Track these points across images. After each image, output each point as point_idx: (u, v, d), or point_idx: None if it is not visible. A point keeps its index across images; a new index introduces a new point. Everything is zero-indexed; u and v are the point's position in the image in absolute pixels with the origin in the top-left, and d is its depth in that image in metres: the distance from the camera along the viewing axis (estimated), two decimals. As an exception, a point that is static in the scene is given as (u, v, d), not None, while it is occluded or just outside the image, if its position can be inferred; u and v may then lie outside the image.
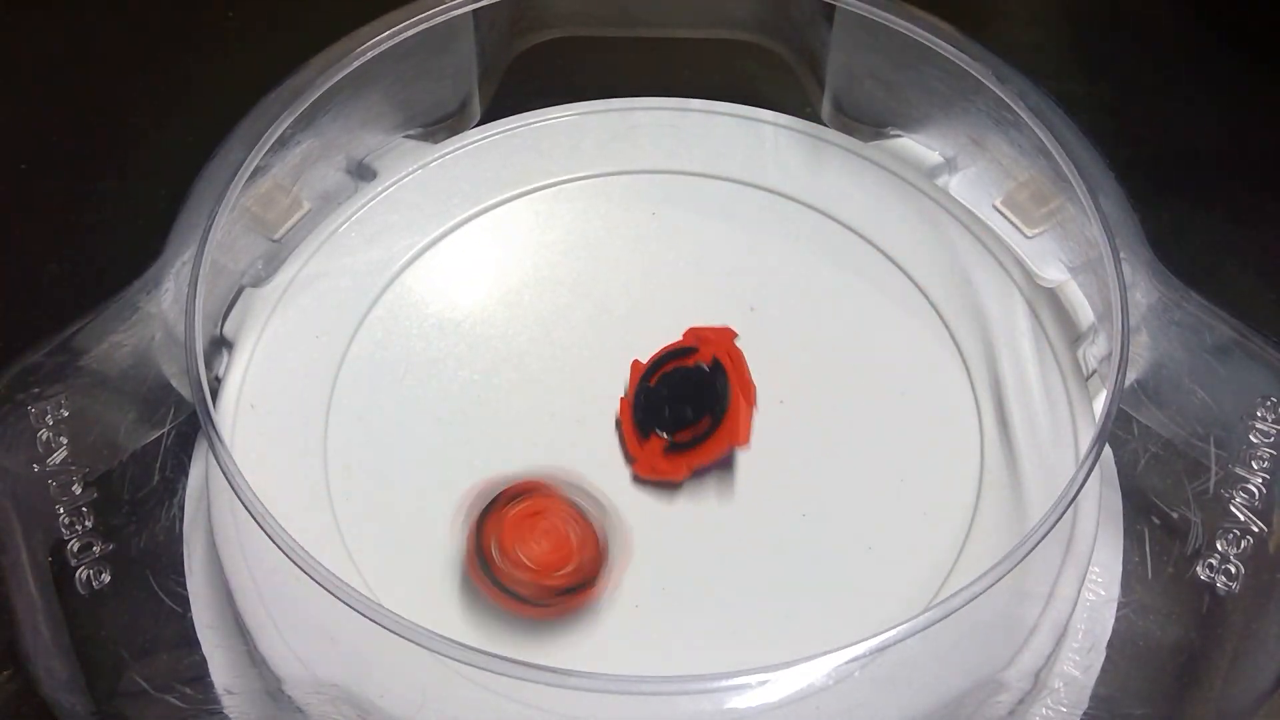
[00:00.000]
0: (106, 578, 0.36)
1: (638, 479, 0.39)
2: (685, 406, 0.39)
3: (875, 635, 0.31)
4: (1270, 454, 0.37)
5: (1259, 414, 0.37)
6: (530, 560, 0.36)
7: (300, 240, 0.44)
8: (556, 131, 0.47)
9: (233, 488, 0.34)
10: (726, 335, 0.40)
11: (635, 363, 0.41)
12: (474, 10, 0.45)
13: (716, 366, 0.39)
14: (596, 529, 0.37)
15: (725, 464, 0.39)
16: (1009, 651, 0.35)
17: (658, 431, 0.39)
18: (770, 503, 0.39)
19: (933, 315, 0.42)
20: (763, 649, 0.32)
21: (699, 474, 0.39)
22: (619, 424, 0.40)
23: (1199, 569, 0.36)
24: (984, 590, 0.32)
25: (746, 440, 0.38)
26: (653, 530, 0.38)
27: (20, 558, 0.35)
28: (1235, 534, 0.36)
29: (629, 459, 0.40)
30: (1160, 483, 0.38)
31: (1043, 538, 0.33)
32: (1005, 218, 0.45)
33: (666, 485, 0.39)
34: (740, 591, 0.37)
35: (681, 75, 0.52)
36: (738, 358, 0.40)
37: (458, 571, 0.37)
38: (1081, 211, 0.40)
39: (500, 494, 0.37)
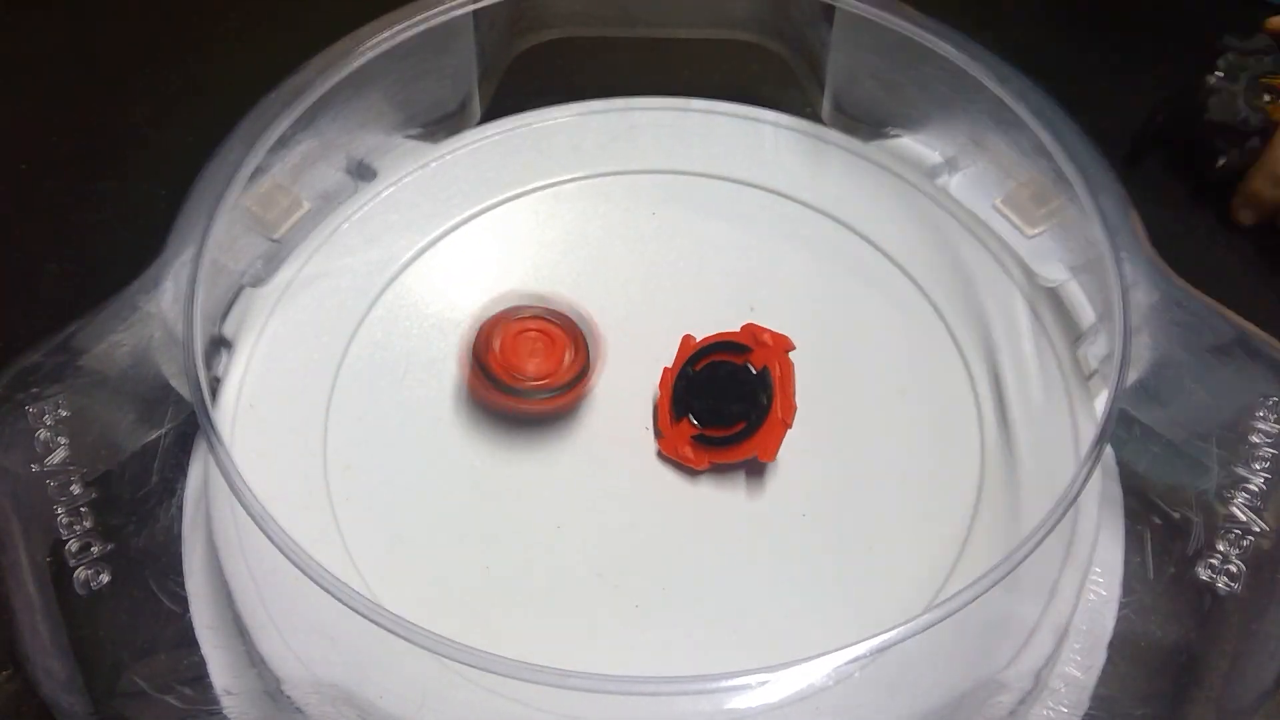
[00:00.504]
0: (105, 578, 0.36)
1: (661, 456, 0.40)
2: (724, 404, 0.40)
3: (876, 635, 0.31)
4: (1271, 454, 0.37)
5: (1260, 414, 0.37)
6: (529, 364, 0.40)
7: (300, 240, 0.44)
8: (556, 131, 0.47)
9: (232, 488, 0.34)
10: (783, 344, 0.40)
11: (687, 338, 0.41)
12: (474, 10, 0.45)
13: (765, 376, 0.39)
14: (582, 335, 0.41)
15: (743, 469, 0.39)
16: (1010, 651, 0.35)
17: (690, 418, 0.40)
18: (771, 503, 0.39)
19: (933, 315, 0.42)
20: (763, 649, 0.32)
21: (697, 473, 0.39)
22: (657, 394, 0.41)
23: (1200, 569, 0.36)
24: (985, 591, 0.32)
25: (772, 458, 0.39)
26: (653, 530, 0.38)
27: (19, 558, 0.35)
28: (1236, 534, 0.36)
29: (658, 433, 0.40)
30: (1161, 483, 0.38)
31: (1043, 538, 0.33)
32: (1005, 218, 0.45)
33: (661, 485, 0.39)
34: (740, 591, 0.37)
35: (681, 75, 0.52)
36: (787, 372, 0.39)
37: (458, 571, 0.37)
38: (1082, 211, 0.40)
39: (492, 317, 0.41)
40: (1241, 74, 0.49)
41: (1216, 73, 0.49)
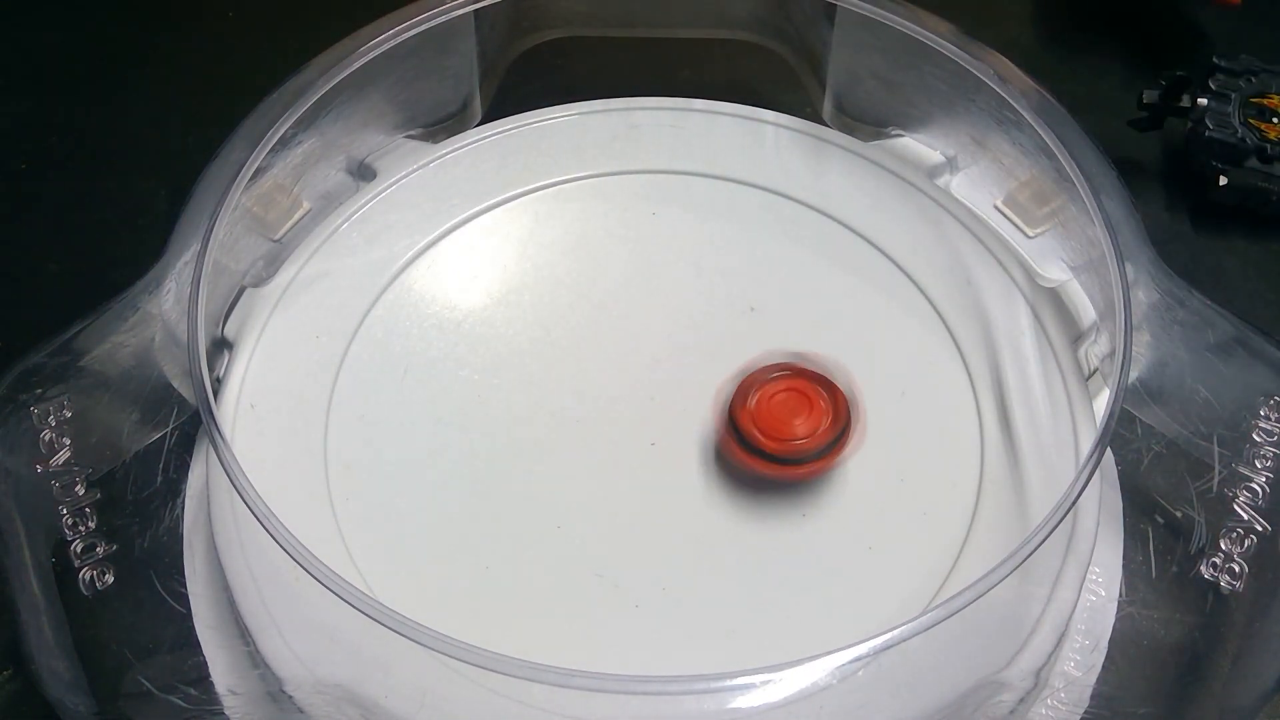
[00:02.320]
0: (109, 578, 0.36)
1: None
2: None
3: (879, 635, 0.31)
4: (1274, 453, 0.37)
5: (1262, 413, 0.37)
6: (785, 427, 0.38)
7: (301, 240, 0.44)
8: (556, 131, 0.47)
9: (235, 488, 0.34)
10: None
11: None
12: (474, 10, 0.45)
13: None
14: (841, 400, 0.39)
15: (724, 463, 0.40)
16: (1010, 651, 0.35)
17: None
18: (771, 503, 0.39)
19: (933, 315, 0.42)
20: (763, 649, 0.32)
21: (697, 473, 0.39)
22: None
23: (1202, 568, 0.36)
24: (987, 590, 0.32)
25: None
26: (653, 530, 0.38)
27: (23, 558, 0.35)
28: (1239, 533, 0.36)
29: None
30: (1163, 482, 0.38)
31: (1045, 538, 0.33)
32: (1006, 217, 0.45)
33: (661, 485, 0.39)
34: (740, 591, 0.37)
35: (681, 75, 0.52)
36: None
37: (458, 571, 0.37)
38: (1083, 211, 0.40)
39: (750, 376, 0.39)
40: (1232, 95, 0.50)
41: (1204, 96, 0.50)
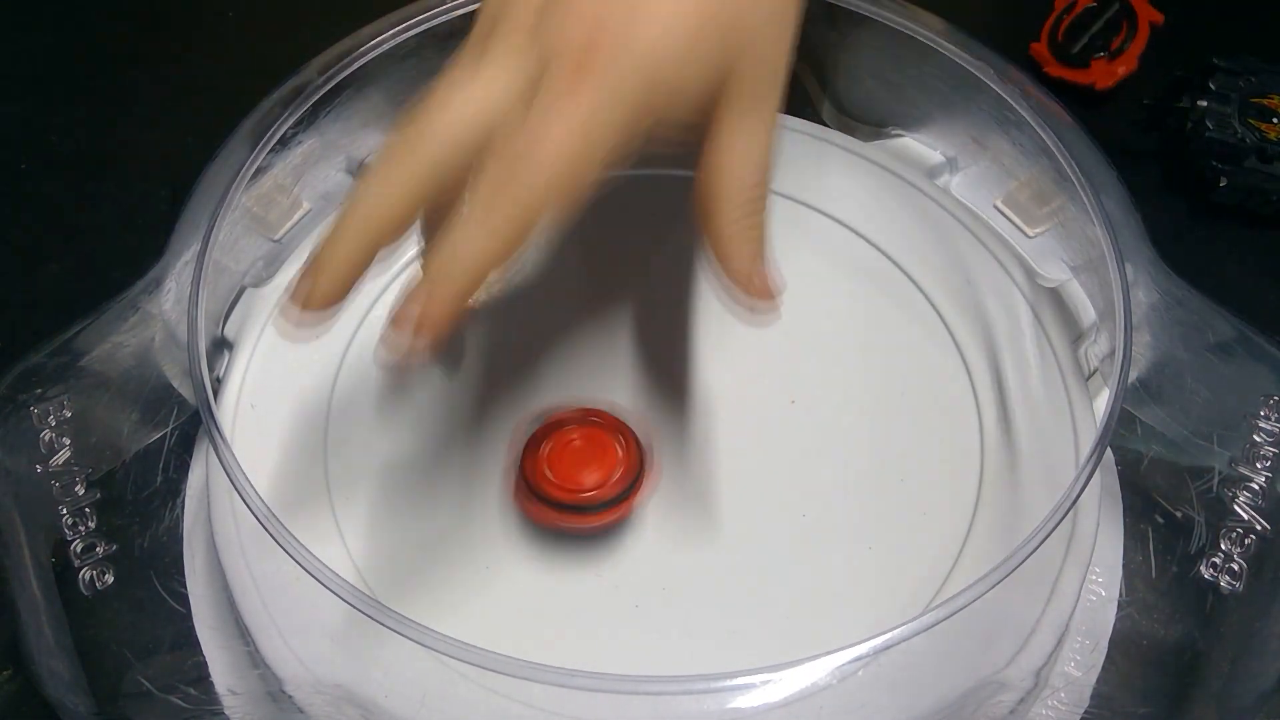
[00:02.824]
0: (109, 578, 0.36)
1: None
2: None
3: (879, 635, 0.31)
4: (1273, 453, 0.37)
5: (1262, 413, 0.37)
6: (576, 478, 0.37)
7: (301, 240, 0.44)
8: (557, 131, 0.47)
9: (235, 488, 0.34)
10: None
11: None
12: (474, 10, 0.45)
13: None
14: (634, 448, 0.38)
15: (728, 464, 0.39)
16: (1010, 650, 0.35)
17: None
18: (770, 503, 0.39)
19: (933, 315, 0.42)
20: (763, 649, 0.32)
21: (699, 476, 0.39)
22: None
23: (1202, 568, 0.36)
24: (986, 590, 0.32)
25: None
26: (652, 531, 0.38)
27: (23, 558, 0.35)
28: (1239, 533, 0.36)
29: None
30: (1163, 482, 0.38)
31: (1045, 539, 0.33)
32: (1006, 217, 0.45)
33: (669, 487, 0.39)
34: (740, 591, 0.37)
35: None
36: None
37: (458, 571, 0.37)
38: (1083, 210, 0.40)
39: (539, 429, 0.38)
40: (1232, 95, 0.50)
41: (1204, 96, 0.50)
